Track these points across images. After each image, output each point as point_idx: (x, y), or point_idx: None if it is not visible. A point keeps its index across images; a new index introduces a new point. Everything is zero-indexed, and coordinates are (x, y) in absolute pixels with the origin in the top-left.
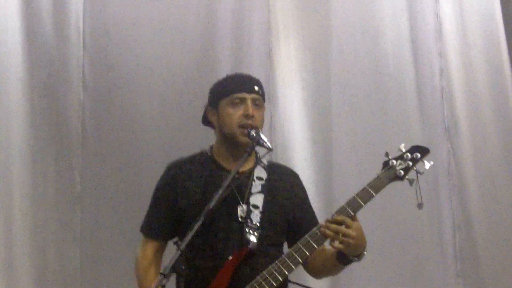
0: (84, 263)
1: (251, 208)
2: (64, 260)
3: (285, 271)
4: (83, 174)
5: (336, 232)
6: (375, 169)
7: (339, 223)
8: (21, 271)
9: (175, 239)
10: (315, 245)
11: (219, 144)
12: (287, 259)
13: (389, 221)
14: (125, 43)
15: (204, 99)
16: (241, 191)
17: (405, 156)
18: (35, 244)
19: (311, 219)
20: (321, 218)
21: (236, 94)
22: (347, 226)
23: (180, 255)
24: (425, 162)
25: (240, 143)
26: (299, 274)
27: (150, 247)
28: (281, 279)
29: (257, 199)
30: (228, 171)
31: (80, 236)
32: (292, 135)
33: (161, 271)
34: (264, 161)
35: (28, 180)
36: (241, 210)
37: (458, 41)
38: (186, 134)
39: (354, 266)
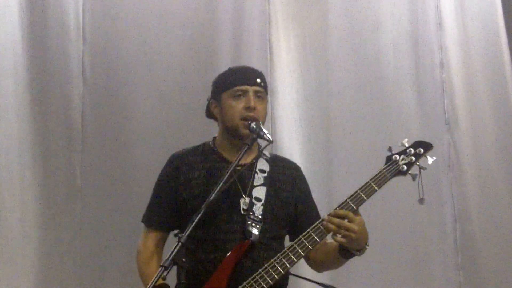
0: (84, 256)
1: (254, 200)
2: (65, 254)
3: (287, 264)
4: (83, 169)
5: (339, 226)
6: (375, 162)
7: (342, 217)
8: (22, 265)
9: (176, 231)
10: (317, 239)
11: (221, 136)
12: (289, 253)
13: (390, 214)
14: (125, 36)
15: (203, 92)
16: (243, 184)
17: (408, 151)
18: (36, 239)
19: (313, 213)
20: (320, 210)
21: (238, 86)
22: (350, 221)
23: (181, 247)
24: (428, 157)
25: (242, 135)
26: (298, 267)
27: (152, 238)
28: (283, 272)
29: (260, 192)
30: (231, 163)
31: (81, 229)
32: (291, 126)
33: (161, 264)
34: (267, 153)
35: (28, 175)
36: (243, 202)
37: (458, 34)
38: (186, 127)
39: (354, 259)
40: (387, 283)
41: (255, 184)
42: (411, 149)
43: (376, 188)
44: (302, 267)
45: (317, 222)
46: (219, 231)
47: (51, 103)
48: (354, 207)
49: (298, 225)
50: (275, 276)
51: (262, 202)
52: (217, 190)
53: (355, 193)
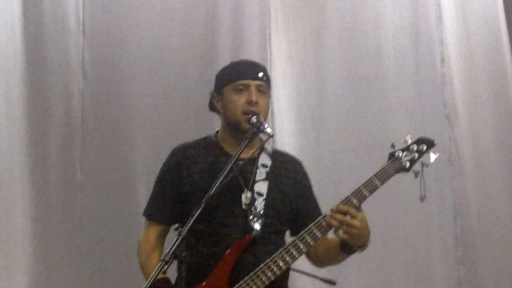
0: (84, 250)
1: (255, 195)
2: (65, 247)
3: (289, 260)
4: (83, 162)
5: (341, 222)
6: (377, 156)
7: (344, 213)
8: (21, 258)
9: (177, 225)
10: (319, 235)
11: (224, 130)
12: (291, 248)
13: (390, 209)
14: (125, 31)
15: (203, 86)
16: (245, 178)
17: (411, 147)
18: (36, 232)
19: (314, 208)
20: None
21: (240, 80)
22: (352, 217)
23: (181, 241)
24: (431, 154)
25: (243, 129)
26: (298, 262)
27: (153, 231)
28: (284, 268)
29: (262, 187)
30: (232, 157)
31: (80, 223)
32: (291, 120)
33: (161, 258)
34: (269, 148)
35: (28, 169)
36: (245, 197)
37: (458, 28)
38: (186, 121)
39: (355, 254)
40: (388, 278)
41: (257, 178)
42: (414, 145)
43: (378, 184)
44: (301, 262)
45: (319, 218)
46: (221, 225)
47: (51, 97)
48: (357, 203)
49: (299, 220)
50: (277, 271)
51: (264, 197)
52: (217, 184)
53: (357, 189)
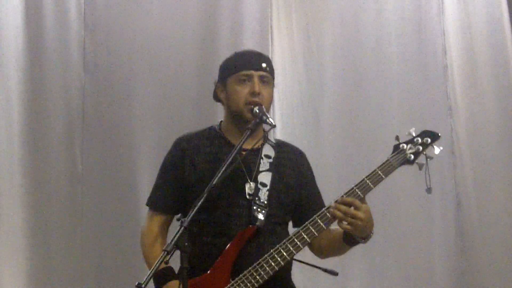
0: (85, 242)
1: (259, 186)
2: (66, 239)
3: (293, 250)
4: (84, 155)
5: (345, 214)
6: (378, 147)
7: (349, 204)
8: (22, 251)
9: (179, 215)
10: (323, 226)
11: (227, 121)
12: (295, 239)
13: (392, 201)
14: (126, 23)
15: (204, 78)
16: (249, 169)
17: (415, 140)
18: (37, 224)
19: (317, 199)
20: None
21: (243, 71)
22: (356, 208)
23: (184, 231)
24: (435, 147)
25: (246, 119)
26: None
27: (156, 221)
28: (288, 258)
29: (265, 177)
30: None
31: (82, 215)
32: (292, 111)
33: (164, 248)
34: (272, 139)
35: (29, 161)
36: (248, 187)
37: (460, 19)
38: (187, 113)
39: (357, 245)
40: (389, 269)
41: (260, 169)
42: (418, 138)
43: (383, 176)
44: (303, 253)
45: (323, 209)
46: (225, 215)
47: (53, 91)
48: (361, 195)
49: (302, 211)
50: (281, 261)
51: (268, 187)
52: (219, 174)
53: (362, 181)
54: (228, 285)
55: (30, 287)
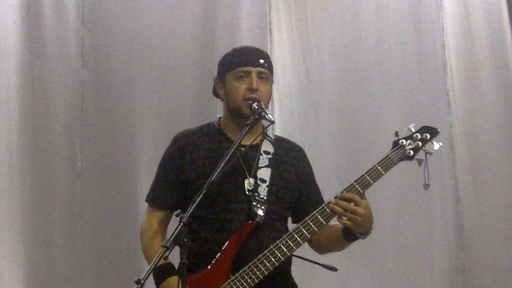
0: (85, 239)
1: (259, 182)
2: (66, 236)
3: (293, 246)
4: (84, 151)
5: (345, 209)
6: (377, 144)
7: (348, 200)
8: (22, 248)
9: (178, 211)
10: (323, 221)
11: (226, 117)
12: (295, 234)
13: (391, 195)
14: (124, 19)
15: (203, 74)
16: (248, 165)
17: (414, 136)
18: (37, 221)
19: (316, 195)
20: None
21: (241, 67)
22: (356, 204)
23: (183, 227)
24: (434, 143)
25: (245, 115)
26: (299, 248)
27: (156, 217)
28: (288, 254)
29: (265, 173)
30: None
31: (82, 210)
32: (292, 108)
33: (162, 244)
34: (271, 135)
35: (29, 158)
36: (248, 183)
37: (459, 14)
38: (186, 109)
39: (356, 241)
40: (389, 265)
41: (260, 165)
42: (418, 134)
43: (382, 172)
44: (303, 249)
45: (323, 205)
46: (224, 211)
47: (51, 87)
48: (361, 190)
49: (301, 207)
50: (281, 257)
51: (267, 183)
52: (218, 170)
53: (361, 176)
54: (228, 280)
55: (30, 284)
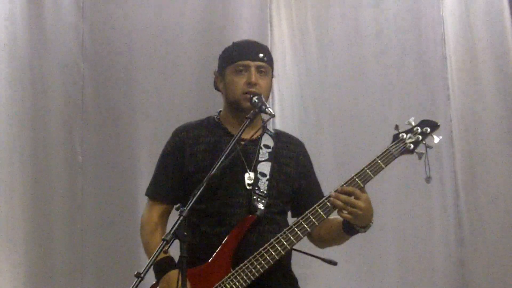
0: (86, 232)
1: (259, 176)
2: (66, 230)
3: (293, 240)
4: (84, 145)
5: (345, 203)
6: (377, 137)
7: (349, 194)
8: (23, 241)
9: (178, 205)
10: (324, 215)
11: (226, 110)
12: (295, 228)
13: (390, 189)
14: (124, 12)
15: (203, 66)
16: (248, 159)
17: (414, 129)
18: (37, 215)
19: (316, 189)
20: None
21: (240, 61)
22: (357, 197)
23: (183, 221)
24: (434, 136)
25: (244, 109)
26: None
27: (156, 211)
28: (288, 247)
29: (265, 167)
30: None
31: (82, 205)
32: (292, 102)
33: (163, 237)
34: (271, 129)
35: (29, 152)
36: (248, 177)
37: (459, 8)
38: (186, 103)
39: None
40: (388, 259)
41: (260, 159)
42: (418, 127)
43: (383, 166)
44: (302, 243)
45: (323, 199)
46: (224, 205)
47: (51, 80)
48: (361, 184)
49: (301, 201)
50: (281, 251)
51: (267, 177)
52: (218, 164)
53: (362, 170)
54: (229, 274)
55: (30, 278)
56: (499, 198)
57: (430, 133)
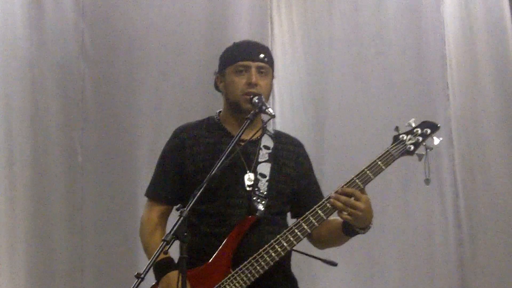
0: (86, 232)
1: (259, 176)
2: (66, 230)
3: (294, 241)
4: (84, 145)
5: (346, 204)
6: (377, 138)
7: (349, 195)
8: (23, 240)
9: (178, 205)
10: (324, 216)
11: (226, 111)
12: (295, 229)
13: (390, 190)
14: (124, 11)
15: (204, 66)
16: (248, 159)
17: (415, 131)
18: (38, 215)
19: (315, 189)
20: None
21: (241, 62)
22: (357, 199)
23: (183, 221)
24: (435, 138)
25: (244, 110)
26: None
27: (156, 211)
28: (289, 248)
29: (265, 168)
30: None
31: (82, 205)
32: (292, 102)
33: (163, 238)
34: (270, 130)
35: (29, 152)
36: (248, 178)
37: (460, 9)
38: (186, 102)
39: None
40: (388, 260)
41: (259, 160)
42: (418, 129)
43: (383, 167)
44: (302, 243)
45: (323, 200)
46: (224, 205)
47: (51, 80)
48: (361, 185)
49: (301, 201)
50: (281, 252)
51: (267, 178)
52: (219, 164)
53: (362, 171)
54: (229, 275)
55: (30, 278)
56: (498, 198)
57: (430, 135)
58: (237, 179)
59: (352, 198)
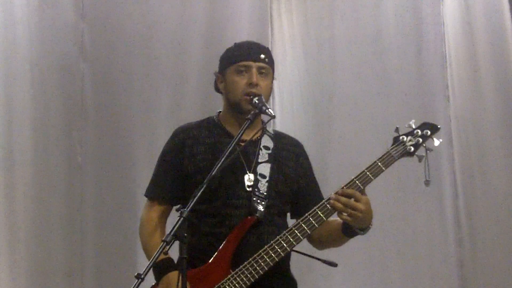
0: (85, 232)
1: (259, 177)
2: (66, 230)
3: (293, 242)
4: (84, 145)
5: (346, 205)
6: (377, 138)
7: (349, 196)
8: (23, 240)
9: (178, 206)
10: (324, 217)
11: (226, 111)
12: (295, 230)
13: (389, 190)
14: (124, 11)
15: (203, 66)
16: (248, 160)
17: (415, 132)
18: (37, 215)
19: (315, 190)
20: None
21: (242, 62)
22: (357, 200)
23: (183, 222)
24: (435, 139)
25: (244, 110)
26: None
27: (155, 211)
28: (288, 249)
29: (264, 169)
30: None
31: (82, 205)
32: (292, 102)
33: (163, 238)
34: (270, 130)
35: (29, 152)
36: (247, 179)
37: (459, 8)
38: (186, 103)
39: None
40: (388, 260)
41: (259, 160)
42: (418, 130)
43: (383, 168)
44: (302, 244)
45: (323, 201)
46: (224, 206)
47: (51, 80)
48: (361, 186)
49: (300, 202)
50: (281, 252)
51: (267, 178)
52: (219, 165)
53: (362, 172)
54: (228, 276)
55: (29, 278)
56: (498, 198)
57: (430, 136)
58: (237, 179)
59: (352, 199)
